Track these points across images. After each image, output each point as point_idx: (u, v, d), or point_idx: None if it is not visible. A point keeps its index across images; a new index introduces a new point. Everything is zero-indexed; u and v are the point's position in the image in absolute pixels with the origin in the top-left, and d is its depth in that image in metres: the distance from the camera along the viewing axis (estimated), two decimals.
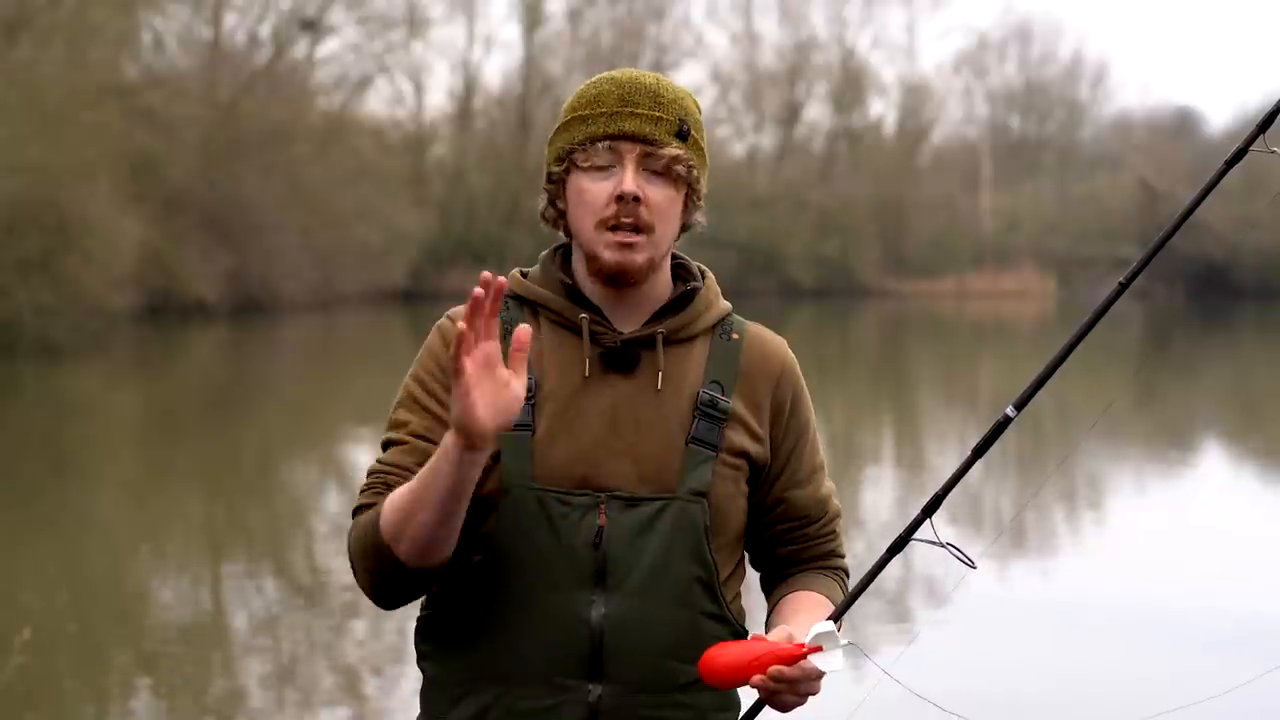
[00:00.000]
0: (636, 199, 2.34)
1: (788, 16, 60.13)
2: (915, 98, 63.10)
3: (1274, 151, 2.28)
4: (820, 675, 2.26)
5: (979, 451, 2.29)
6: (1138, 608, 9.33)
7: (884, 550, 2.37)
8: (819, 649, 2.20)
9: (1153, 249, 2.32)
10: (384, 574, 2.33)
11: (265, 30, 45.39)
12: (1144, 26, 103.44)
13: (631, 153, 2.35)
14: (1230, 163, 2.31)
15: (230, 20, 44.79)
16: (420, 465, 2.33)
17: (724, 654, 2.22)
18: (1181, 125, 63.53)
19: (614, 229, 2.35)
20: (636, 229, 2.35)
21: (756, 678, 2.22)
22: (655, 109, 2.36)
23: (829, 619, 2.33)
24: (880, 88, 63.27)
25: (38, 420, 19.41)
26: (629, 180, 2.34)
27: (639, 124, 2.35)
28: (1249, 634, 8.71)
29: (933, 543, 2.29)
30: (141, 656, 8.35)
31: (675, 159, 2.36)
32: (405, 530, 2.27)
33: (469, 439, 2.16)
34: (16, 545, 11.35)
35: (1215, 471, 16.15)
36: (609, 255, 2.36)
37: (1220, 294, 55.85)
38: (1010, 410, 2.29)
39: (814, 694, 2.27)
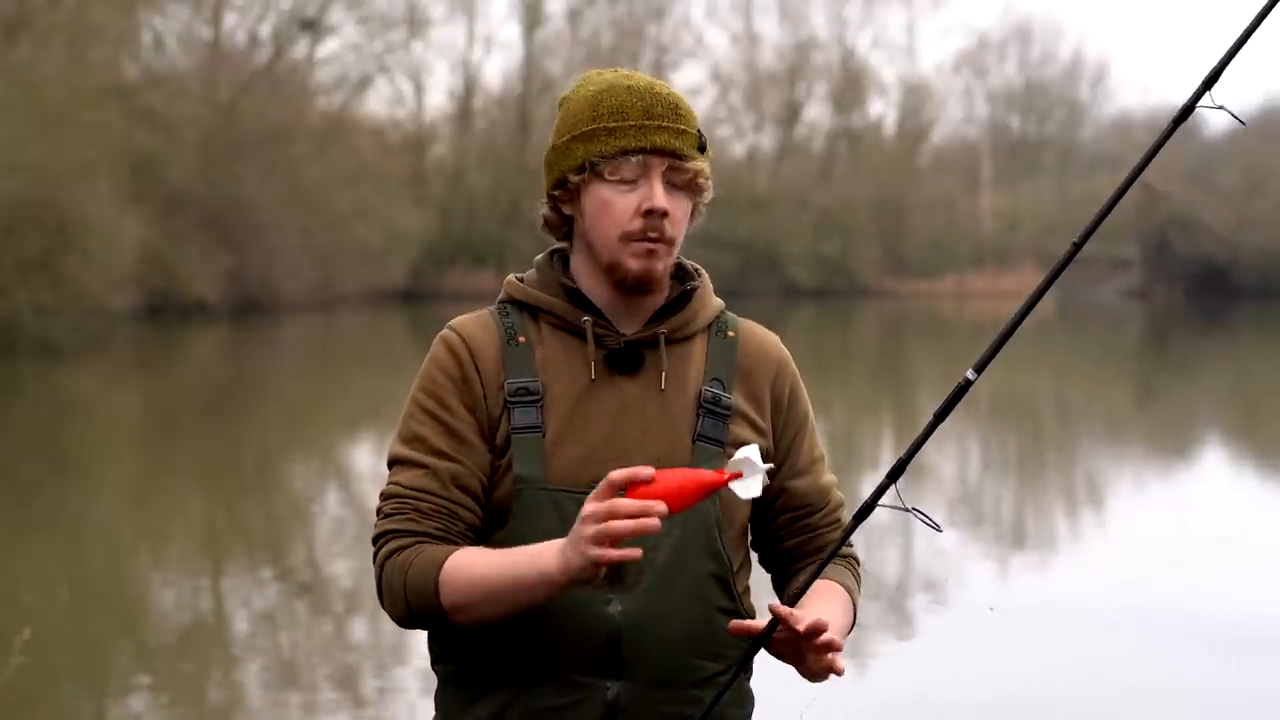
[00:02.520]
0: (664, 214, 2.36)
1: (788, 16, 60.16)
2: (915, 98, 63.11)
3: (1221, 107, 2.31)
4: (830, 666, 2.26)
5: (940, 416, 2.30)
6: (1137, 608, 9.32)
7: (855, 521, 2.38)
8: (739, 475, 2.20)
9: (1105, 207, 2.34)
10: (428, 622, 2.38)
11: (265, 30, 45.46)
12: (1144, 26, 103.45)
13: (660, 167, 2.37)
14: (1178, 120, 2.34)
15: (230, 20, 44.86)
16: (448, 490, 2.37)
17: (651, 486, 2.18)
18: (1182, 125, 63.45)
19: (639, 239, 2.37)
20: (659, 239, 2.38)
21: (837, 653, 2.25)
22: (678, 121, 2.39)
23: (797, 589, 2.36)
24: (880, 88, 63.33)
25: (38, 420, 19.41)
26: (659, 196, 2.36)
27: (668, 138, 2.37)
28: (1250, 634, 8.71)
29: (898, 508, 2.30)
30: (141, 656, 8.35)
31: (698, 173, 2.39)
32: (471, 610, 2.31)
33: (587, 580, 2.21)
34: (16, 545, 11.35)
35: (1215, 472, 16.15)
36: (635, 264, 2.38)
37: (1220, 294, 55.84)
38: (970, 374, 2.30)
39: (829, 666, 2.27)
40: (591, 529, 2.16)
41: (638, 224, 2.36)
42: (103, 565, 10.92)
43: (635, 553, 2.15)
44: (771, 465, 2.24)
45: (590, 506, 2.17)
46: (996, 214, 62.01)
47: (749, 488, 2.20)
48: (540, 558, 2.24)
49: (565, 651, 2.34)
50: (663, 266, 2.40)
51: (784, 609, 2.26)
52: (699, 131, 2.40)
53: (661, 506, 2.15)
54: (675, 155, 2.37)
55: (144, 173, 33.75)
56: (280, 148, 40.71)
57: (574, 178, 2.40)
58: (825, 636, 2.24)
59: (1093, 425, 19.65)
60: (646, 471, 2.16)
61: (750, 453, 2.21)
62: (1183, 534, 11.89)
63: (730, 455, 2.40)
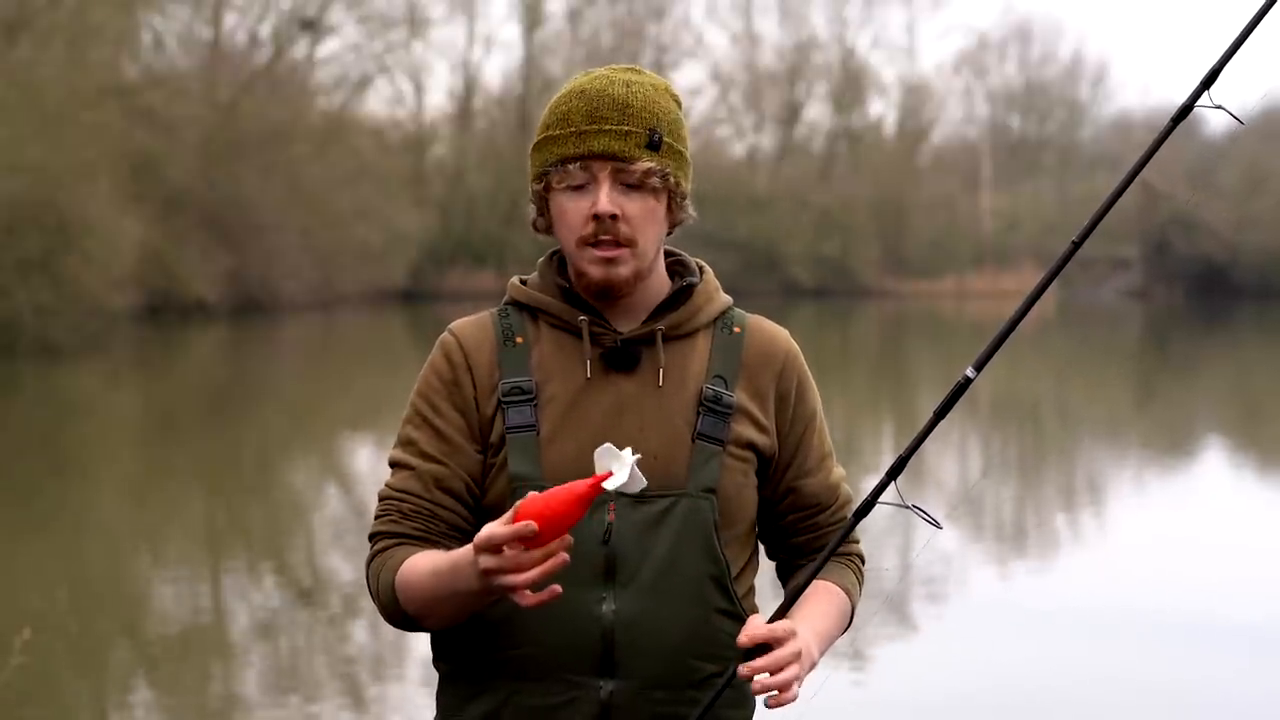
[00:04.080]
0: (614, 217, 2.34)
1: (788, 16, 60.17)
2: (915, 98, 63.12)
3: (1219, 107, 2.31)
4: (797, 654, 2.24)
5: (940, 414, 2.30)
6: (1137, 608, 9.33)
7: (863, 524, 2.38)
8: (609, 474, 2.17)
9: (1104, 206, 2.35)
10: (407, 624, 2.41)
11: (265, 30, 45.48)
12: (1144, 26, 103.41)
13: (604, 170, 2.35)
14: (1177, 119, 2.34)
15: (230, 20, 44.87)
16: (430, 492, 2.39)
17: (531, 504, 2.15)
18: (1181, 125, 63.35)
19: (595, 244, 2.36)
20: (617, 243, 2.36)
21: (744, 669, 2.22)
22: (624, 122, 2.35)
23: (790, 601, 2.35)
24: (880, 88, 63.33)
25: (38, 420, 19.41)
26: (603, 200, 2.34)
27: (607, 141, 2.35)
28: (1250, 634, 8.71)
29: (898, 505, 2.30)
30: (141, 656, 8.35)
31: (647, 172, 2.36)
32: (428, 615, 2.35)
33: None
34: (16, 545, 11.34)
35: (1215, 472, 16.15)
36: (595, 271, 2.37)
37: (1220, 294, 55.83)
38: (970, 371, 2.31)
39: (795, 671, 2.24)
40: (505, 580, 2.15)
41: (590, 229, 2.35)
42: (103, 565, 10.92)
43: (556, 590, 2.17)
44: (640, 456, 2.19)
45: (491, 561, 2.15)
46: (996, 214, 62.00)
47: (622, 480, 2.16)
48: (460, 577, 2.24)
49: (559, 650, 2.34)
50: (627, 271, 2.37)
51: (751, 638, 2.25)
52: (650, 130, 2.36)
53: (566, 543, 2.14)
54: (617, 157, 2.35)
55: (144, 173, 33.75)
56: (280, 148, 40.71)
57: (536, 186, 2.42)
58: (772, 697, 2.24)
59: (1093, 426, 19.65)
60: (530, 529, 2.12)
61: (609, 450, 2.17)
62: (1182, 534, 11.90)
63: (731, 454, 2.41)
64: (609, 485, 2.16)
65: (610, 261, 2.36)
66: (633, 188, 2.36)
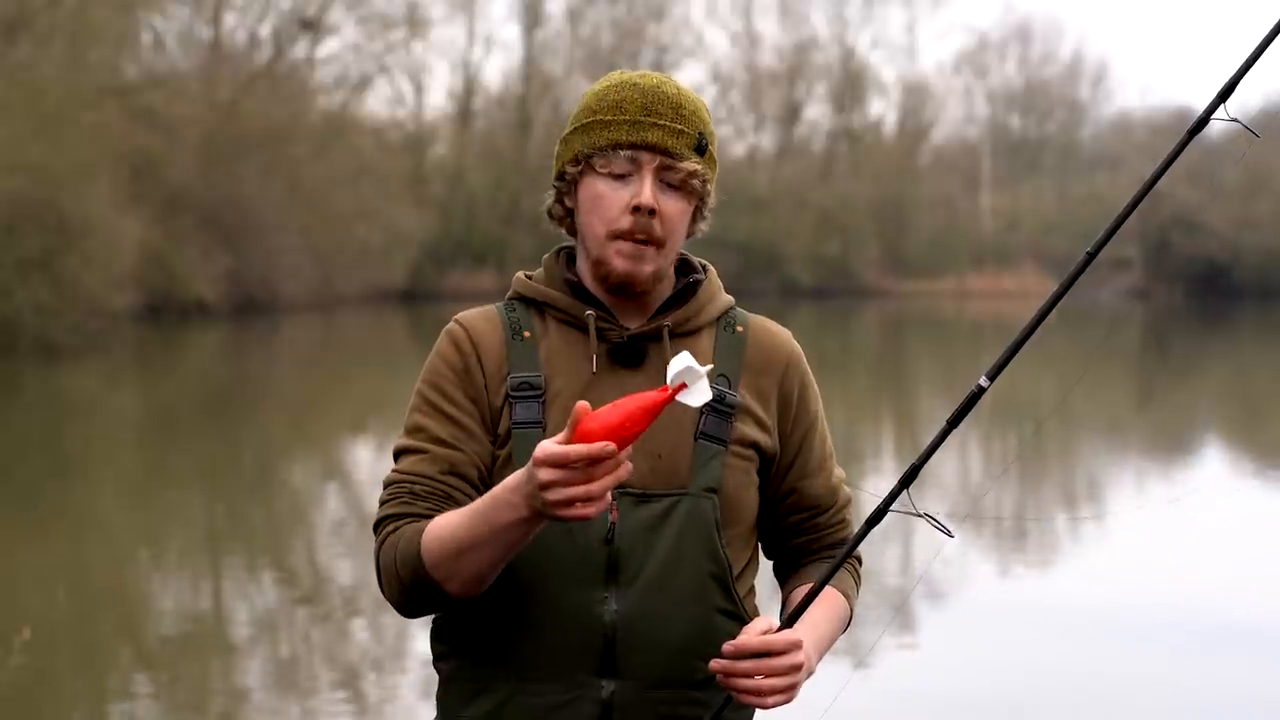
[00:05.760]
0: (652, 212, 2.34)
1: (788, 16, 60.24)
2: (915, 98, 63.19)
3: (1235, 120, 2.30)
4: (796, 667, 2.25)
5: (953, 423, 2.30)
6: (1137, 608, 9.33)
7: (874, 529, 2.36)
8: (683, 386, 2.09)
9: (1119, 218, 2.36)
10: (423, 598, 2.33)
11: (265, 30, 45.50)
12: (1144, 26, 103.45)
13: (651, 164, 2.36)
14: (1193, 131, 2.34)
15: (230, 20, 44.89)
16: (444, 475, 2.36)
17: (595, 421, 2.07)
18: (1181, 125, 62.06)
19: (628, 238, 2.36)
20: (648, 241, 2.36)
21: (715, 663, 2.23)
22: (677, 121, 2.37)
23: (808, 597, 2.33)
24: (880, 88, 63.39)
25: (38, 420, 19.40)
26: (647, 193, 2.34)
27: (661, 135, 2.36)
28: (1250, 634, 8.71)
29: (911, 513, 2.29)
30: (141, 656, 8.35)
31: (692, 173, 2.37)
32: (455, 569, 2.26)
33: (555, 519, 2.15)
34: (16, 545, 11.34)
35: (1216, 472, 16.14)
36: (619, 264, 2.37)
37: (1220, 294, 55.83)
38: (983, 381, 2.30)
39: (790, 680, 2.25)
40: (570, 493, 2.08)
41: (626, 221, 2.35)
42: (103, 565, 10.91)
43: (606, 502, 2.10)
44: (711, 366, 2.15)
45: (556, 474, 2.07)
46: (996, 214, 62.03)
47: (697, 395, 2.09)
48: (500, 508, 2.18)
49: (560, 650, 2.34)
50: (651, 269, 2.37)
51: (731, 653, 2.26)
52: (700, 134, 2.38)
53: (626, 469, 2.08)
54: (667, 153, 2.35)
55: (144, 173, 33.75)
56: (280, 148, 40.72)
57: (571, 169, 2.40)
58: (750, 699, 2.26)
59: (1093, 426, 19.65)
60: (608, 450, 2.05)
61: (686, 360, 2.09)
62: (1182, 534, 11.89)
63: (734, 453, 2.41)
64: (681, 398, 2.08)
65: (638, 257, 2.36)
66: (673, 187, 2.37)
